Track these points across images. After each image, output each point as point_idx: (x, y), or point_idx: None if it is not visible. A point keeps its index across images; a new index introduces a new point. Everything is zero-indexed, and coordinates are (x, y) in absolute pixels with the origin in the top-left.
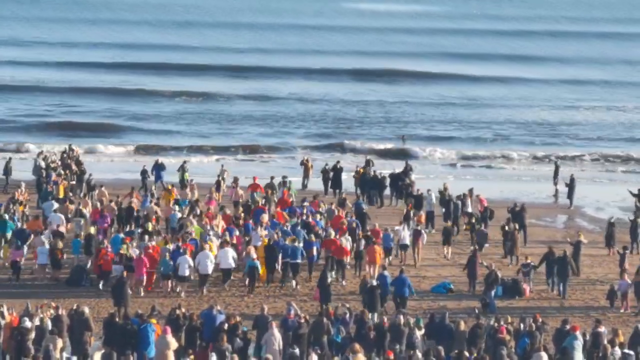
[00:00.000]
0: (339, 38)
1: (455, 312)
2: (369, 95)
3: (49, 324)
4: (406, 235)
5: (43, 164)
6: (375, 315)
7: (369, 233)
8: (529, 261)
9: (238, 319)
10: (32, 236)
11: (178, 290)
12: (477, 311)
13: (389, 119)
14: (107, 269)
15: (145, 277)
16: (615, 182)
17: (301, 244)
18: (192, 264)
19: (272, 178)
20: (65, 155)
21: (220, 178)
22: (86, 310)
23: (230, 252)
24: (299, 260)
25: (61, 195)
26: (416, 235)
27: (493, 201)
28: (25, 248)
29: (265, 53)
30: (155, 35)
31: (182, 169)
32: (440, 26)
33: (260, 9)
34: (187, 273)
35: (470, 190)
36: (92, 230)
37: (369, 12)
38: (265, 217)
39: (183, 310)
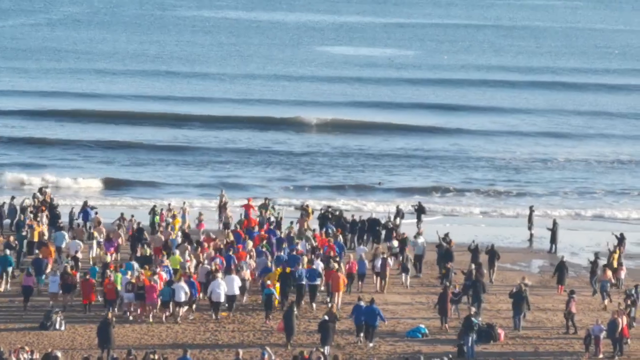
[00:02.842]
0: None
1: (430, 356)
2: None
3: None
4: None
5: (18, 207)
6: (327, 348)
7: (337, 259)
8: (457, 290)
9: None
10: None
11: (176, 312)
12: (449, 356)
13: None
14: (111, 298)
15: (157, 303)
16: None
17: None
18: (187, 290)
19: (266, 199)
20: (35, 199)
21: (220, 204)
22: (59, 354)
23: (237, 280)
24: (317, 283)
25: (35, 239)
26: (383, 263)
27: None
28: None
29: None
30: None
31: (152, 212)
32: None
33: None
34: (183, 298)
35: (446, 235)
36: (108, 258)
37: (341, 56)
38: (250, 245)
39: (156, 356)
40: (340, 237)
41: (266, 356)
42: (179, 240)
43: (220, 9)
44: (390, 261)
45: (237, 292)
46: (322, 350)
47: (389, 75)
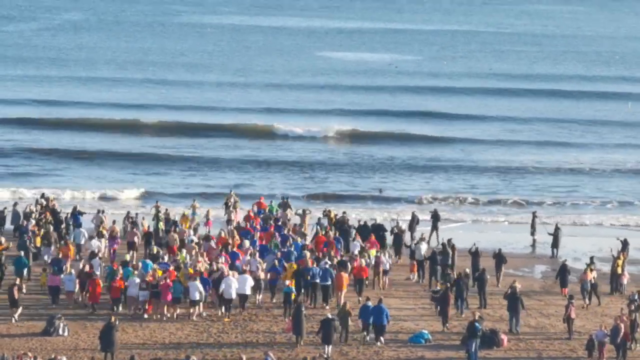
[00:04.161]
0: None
1: None
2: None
3: None
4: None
5: (21, 213)
6: (329, 347)
7: (344, 258)
8: (438, 287)
9: None
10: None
11: (192, 312)
12: None
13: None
14: (116, 296)
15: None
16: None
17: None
18: (201, 289)
19: (285, 199)
20: (39, 205)
21: (229, 203)
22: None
23: (249, 279)
24: (328, 283)
25: (38, 244)
26: (377, 261)
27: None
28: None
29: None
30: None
31: (156, 218)
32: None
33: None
34: (197, 297)
35: (449, 241)
36: (127, 257)
37: (341, 61)
38: (247, 244)
39: None
40: (331, 235)
41: None
42: (194, 238)
43: (223, 15)
44: (384, 259)
45: (248, 291)
46: (325, 356)
47: (392, 83)
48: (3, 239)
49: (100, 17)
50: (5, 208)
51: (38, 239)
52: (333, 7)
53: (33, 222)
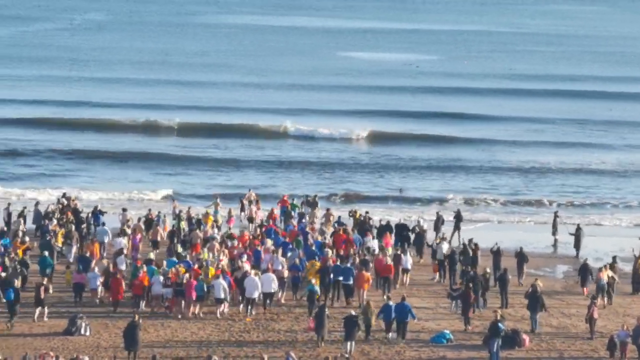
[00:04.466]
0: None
1: None
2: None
3: None
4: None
5: (43, 212)
6: (352, 343)
7: (366, 257)
8: (457, 286)
9: None
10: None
11: (217, 310)
12: None
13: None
14: (138, 293)
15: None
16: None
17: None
18: (226, 286)
19: (306, 197)
20: (60, 204)
21: (243, 201)
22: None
23: (274, 277)
24: (350, 282)
25: (60, 244)
26: (396, 259)
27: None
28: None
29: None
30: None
31: (178, 218)
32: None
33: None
34: (222, 295)
35: (470, 240)
36: (152, 255)
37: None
38: (269, 242)
39: None
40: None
41: None
42: (217, 236)
43: (240, 15)
44: (404, 257)
45: (273, 289)
46: (347, 356)
47: (411, 83)
48: (27, 239)
49: (118, 17)
50: (25, 207)
51: (59, 238)
52: (350, 7)
53: (55, 221)
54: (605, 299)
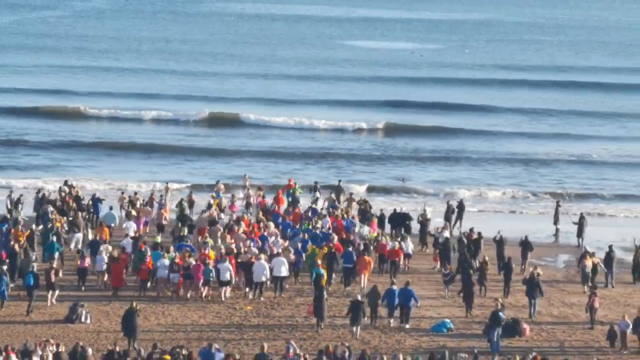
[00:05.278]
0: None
1: (455, 351)
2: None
3: None
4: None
5: (43, 200)
6: (358, 328)
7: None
8: (449, 270)
9: (237, 357)
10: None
11: (223, 293)
12: (475, 350)
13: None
14: (144, 278)
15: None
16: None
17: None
18: (232, 270)
19: (339, 181)
20: (62, 192)
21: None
22: (89, 351)
23: (284, 261)
24: (350, 265)
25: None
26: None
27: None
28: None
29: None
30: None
31: (180, 205)
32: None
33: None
34: (227, 277)
35: (471, 230)
36: (158, 238)
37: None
38: (272, 226)
39: (184, 351)
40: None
41: (291, 350)
42: (225, 219)
43: (245, 2)
44: (404, 244)
45: (284, 273)
46: (346, 344)
47: (416, 74)
48: (33, 226)
49: (123, 6)
50: (21, 195)
51: (58, 225)
52: None
53: (51, 208)
54: (587, 286)
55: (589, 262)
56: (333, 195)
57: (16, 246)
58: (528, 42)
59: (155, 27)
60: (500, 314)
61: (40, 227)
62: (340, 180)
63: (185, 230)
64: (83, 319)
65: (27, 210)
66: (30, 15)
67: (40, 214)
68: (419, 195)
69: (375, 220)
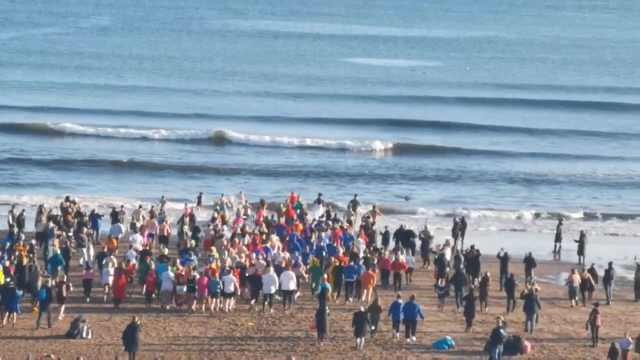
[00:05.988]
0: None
1: None
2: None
3: None
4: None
5: (44, 217)
6: (362, 339)
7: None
8: (443, 284)
9: None
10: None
11: (227, 305)
12: None
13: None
14: (151, 290)
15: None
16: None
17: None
18: (236, 282)
19: (320, 195)
20: (63, 208)
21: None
22: None
23: (292, 275)
24: (352, 280)
25: (56, 247)
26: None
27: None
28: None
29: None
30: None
31: (181, 222)
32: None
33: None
34: (232, 289)
35: (472, 247)
36: (166, 251)
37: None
38: (274, 238)
39: None
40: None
41: None
42: (227, 233)
43: (247, 20)
44: (403, 257)
45: (292, 287)
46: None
47: (417, 93)
48: (34, 241)
49: (125, 23)
50: (24, 210)
51: (56, 243)
52: (358, 13)
53: (55, 226)
54: (574, 301)
55: (577, 277)
56: (351, 209)
57: (24, 260)
58: (529, 61)
59: (156, 44)
60: (502, 331)
61: (43, 243)
62: (356, 195)
63: (194, 242)
64: (84, 334)
65: (28, 226)
66: (31, 32)
67: (42, 230)
68: (422, 214)
69: (364, 232)
